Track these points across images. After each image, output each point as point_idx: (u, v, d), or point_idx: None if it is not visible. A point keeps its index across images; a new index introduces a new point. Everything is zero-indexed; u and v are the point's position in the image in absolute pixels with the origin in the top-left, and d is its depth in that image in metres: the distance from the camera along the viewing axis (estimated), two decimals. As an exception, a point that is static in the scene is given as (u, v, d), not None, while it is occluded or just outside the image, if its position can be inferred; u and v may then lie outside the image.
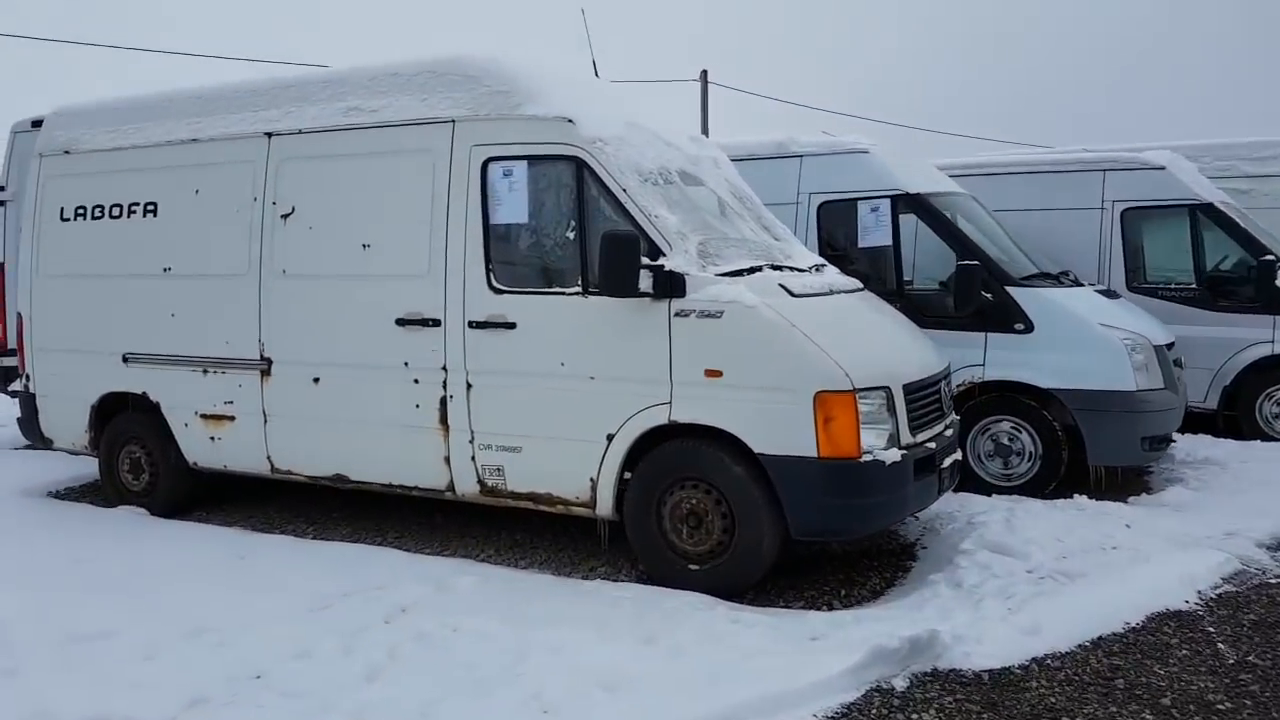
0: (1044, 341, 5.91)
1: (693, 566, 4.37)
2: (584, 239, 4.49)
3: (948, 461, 4.61)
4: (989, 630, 3.81)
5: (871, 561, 4.87)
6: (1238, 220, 7.72)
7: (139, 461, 5.93)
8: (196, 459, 5.71)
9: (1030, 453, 6.05)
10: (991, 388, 6.04)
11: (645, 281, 4.25)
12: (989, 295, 5.95)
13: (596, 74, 5.45)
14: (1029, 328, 5.96)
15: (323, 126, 5.17)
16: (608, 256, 4.16)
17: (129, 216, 5.73)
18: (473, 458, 4.80)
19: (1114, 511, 5.53)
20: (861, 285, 5.13)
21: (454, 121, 4.79)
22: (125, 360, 5.77)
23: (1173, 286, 7.81)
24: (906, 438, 4.31)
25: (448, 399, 4.81)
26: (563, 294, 4.53)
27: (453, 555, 5.07)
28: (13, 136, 7.51)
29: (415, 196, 4.87)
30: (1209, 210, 7.69)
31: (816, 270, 4.91)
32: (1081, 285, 6.58)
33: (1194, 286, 7.74)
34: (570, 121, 4.52)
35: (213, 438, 5.57)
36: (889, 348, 4.57)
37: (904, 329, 4.89)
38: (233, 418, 5.48)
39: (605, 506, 4.55)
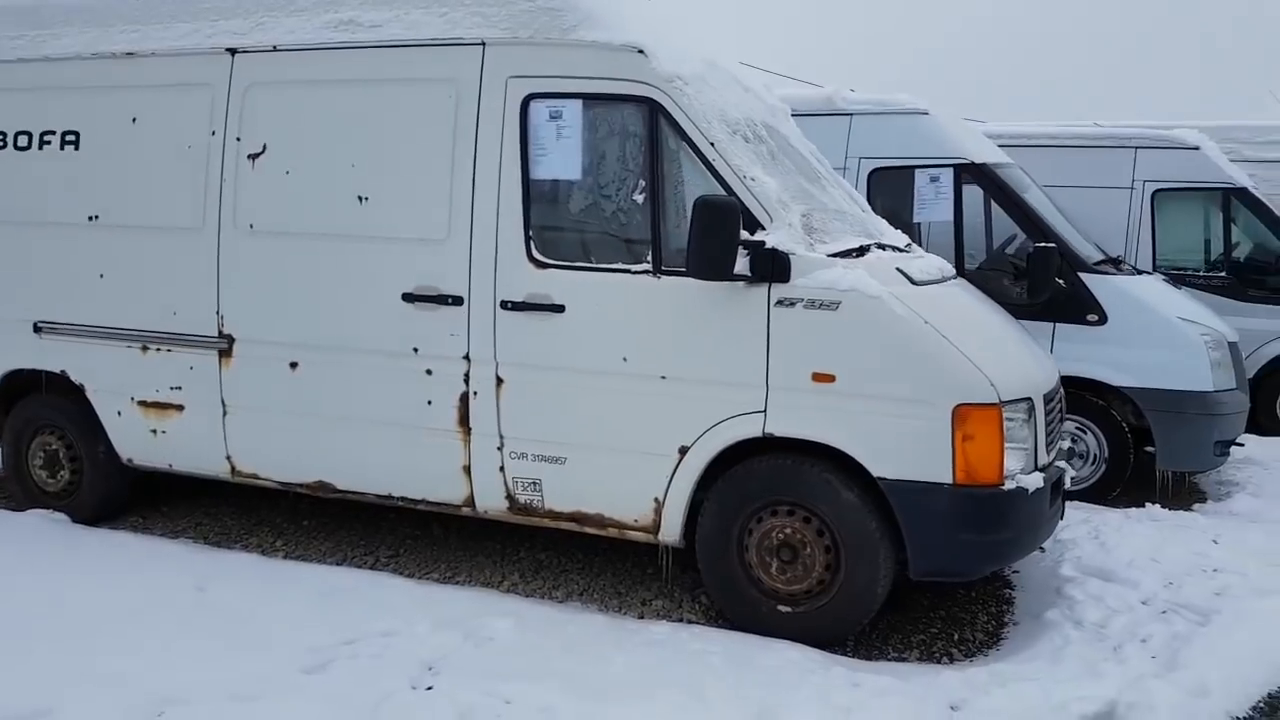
0: (1118, 335, 5.35)
1: (783, 608, 3.61)
2: (657, 203, 3.60)
3: (1068, 481, 3.96)
4: (1157, 694, 3.20)
5: (966, 591, 4.21)
6: (1270, 207, 7.34)
7: (56, 455, 4.77)
8: (132, 455, 4.60)
9: (1095, 455, 5.52)
10: (1055, 384, 5.44)
11: (740, 262, 3.40)
12: (1061, 282, 5.33)
13: (650, -1, 4.48)
14: (1102, 319, 5.38)
15: (305, 44, 4.07)
16: (703, 229, 3.28)
17: (41, 148, 4.50)
18: (501, 468, 3.89)
19: (1193, 524, 5.09)
20: (955, 270, 4.40)
21: (484, 44, 3.79)
22: (37, 330, 4.58)
23: (1201, 274, 7.41)
24: (1043, 457, 3.62)
25: (470, 395, 3.87)
26: (628, 272, 3.64)
27: (467, 583, 4.17)
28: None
29: (431, 139, 3.86)
30: (1243, 195, 7.29)
31: (909, 250, 4.15)
32: (1143, 273, 6.04)
33: (1223, 274, 7.35)
34: (642, 53, 3.59)
35: (154, 430, 4.47)
36: (1018, 349, 3.85)
37: (1015, 325, 4.18)
38: (181, 407, 4.39)
39: (672, 532, 3.73)
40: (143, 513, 4.95)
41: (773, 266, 3.41)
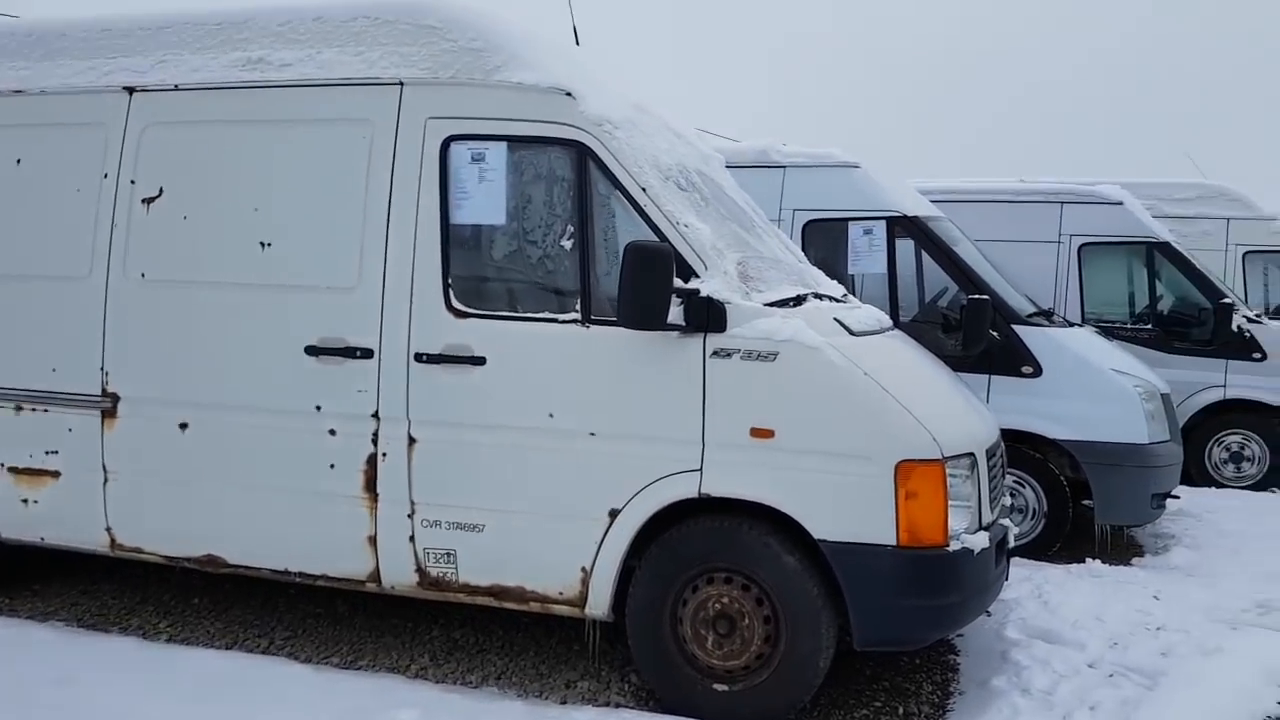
0: (1053, 387, 5.30)
1: (719, 686, 3.31)
2: (586, 250, 3.38)
3: (1012, 539, 3.79)
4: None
5: (910, 659, 3.98)
6: (1192, 261, 7.51)
7: (-92, 530, 4.25)
8: (1, 528, 4.12)
9: (1034, 510, 5.41)
10: (993, 438, 5.35)
11: (674, 311, 3.19)
12: (995, 334, 5.28)
13: (577, 42, 4.34)
14: (1037, 371, 5.33)
15: (210, 82, 3.79)
16: (634, 276, 3.07)
17: (-93, 189, 4.09)
18: (411, 538, 3.56)
19: (1133, 579, 5.03)
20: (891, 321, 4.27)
21: (402, 84, 3.57)
22: (-109, 389, 4.11)
23: (1127, 326, 7.51)
24: (987, 515, 3.46)
25: (379, 458, 3.55)
26: (554, 321, 3.40)
27: (371, 668, 3.77)
28: None
29: (343, 181, 3.60)
30: (1165, 249, 7.44)
31: (846, 301, 4.00)
32: (1075, 325, 6.06)
33: (1149, 327, 7.46)
34: (570, 95, 3.41)
35: (25, 500, 4.01)
36: (959, 402, 3.71)
37: (954, 378, 4.05)
38: (57, 474, 3.95)
39: (600, 605, 3.42)
40: (10, 593, 4.43)
41: (708, 316, 3.21)
